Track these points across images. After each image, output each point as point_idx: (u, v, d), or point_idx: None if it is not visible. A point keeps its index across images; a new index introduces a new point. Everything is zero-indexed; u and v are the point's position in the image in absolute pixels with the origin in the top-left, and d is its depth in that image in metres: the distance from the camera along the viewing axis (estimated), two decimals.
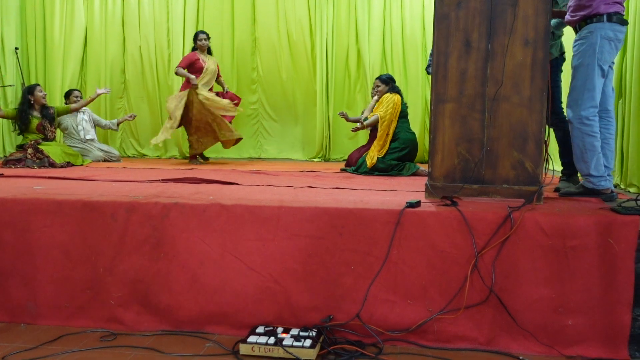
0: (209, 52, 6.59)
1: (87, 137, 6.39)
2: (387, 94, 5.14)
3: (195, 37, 6.52)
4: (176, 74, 6.45)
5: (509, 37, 3.02)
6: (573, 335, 2.59)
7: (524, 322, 2.61)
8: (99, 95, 6.30)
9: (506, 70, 3.03)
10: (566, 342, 2.59)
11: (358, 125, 5.15)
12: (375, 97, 5.61)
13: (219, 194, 3.29)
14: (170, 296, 2.84)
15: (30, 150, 5.53)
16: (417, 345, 2.65)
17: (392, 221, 2.74)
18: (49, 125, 5.90)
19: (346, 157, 7.55)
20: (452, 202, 2.88)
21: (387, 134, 5.04)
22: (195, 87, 6.33)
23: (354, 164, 5.82)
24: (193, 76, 6.37)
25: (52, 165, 5.40)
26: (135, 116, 6.71)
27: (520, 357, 2.55)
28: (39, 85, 6.16)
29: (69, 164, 5.57)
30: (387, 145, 5.02)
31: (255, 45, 7.66)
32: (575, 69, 3.25)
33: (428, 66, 5.66)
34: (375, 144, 5.04)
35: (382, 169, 4.94)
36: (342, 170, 5.43)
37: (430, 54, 5.36)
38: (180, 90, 6.31)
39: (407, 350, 2.61)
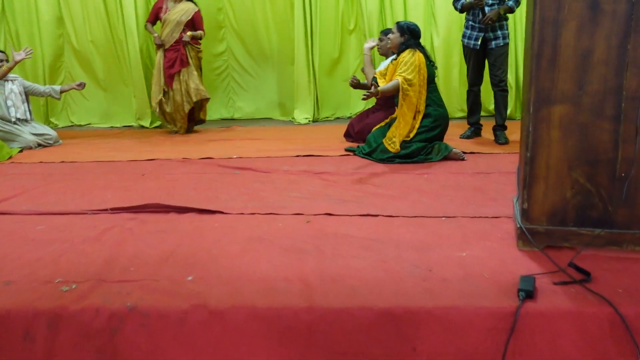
0: None
1: (18, 115, 4.97)
2: (407, 52, 3.84)
3: None
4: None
5: None
6: None
7: None
8: (17, 62, 4.84)
9: None
10: None
11: (369, 92, 3.60)
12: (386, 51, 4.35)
13: (199, 256, 2.12)
14: None
15: None
16: None
17: (501, 328, 1.65)
18: None
19: (337, 115, 6.45)
20: (583, 273, 1.80)
21: (418, 111, 3.83)
22: (158, 47, 5.09)
23: (355, 136, 4.65)
24: (155, 33, 5.12)
25: None
26: (84, 85, 5.27)
27: None
28: None
29: None
30: (418, 125, 3.84)
31: None
32: None
33: (455, 0, 4.42)
34: (401, 123, 3.81)
35: (406, 155, 3.78)
36: (348, 150, 4.24)
37: None
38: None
39: None
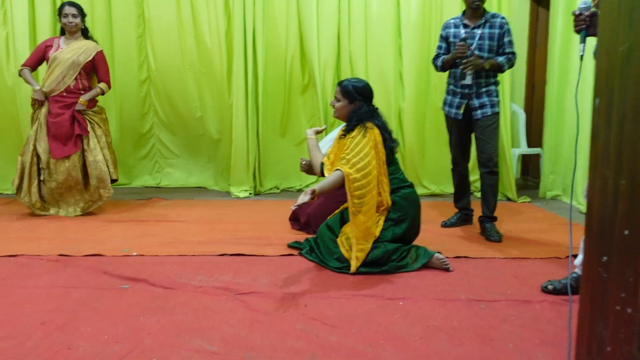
0: (85, 34, 4.09)
1: None
2: (357, 130, 2.73)
3: (59, 12, 4.06)
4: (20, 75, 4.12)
5: None
6: None
7: None
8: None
9: None
10: None
11: (300, 203, 2.41)
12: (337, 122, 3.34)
13: None
14: None
15: None
16: None
17: None
18: None
19: (284, 186, 5.37)
20: None
21: (379, 205, 2.78)
22: (39, 104, 3.94)
23: (304, 221, 3.58)
24: (36, 85, 3.97)
25: None
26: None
27: None
28: None
29: None
30: (382, 219, 2.81)
31: (144, 25, 5.13)
32: None
33: (436, 57, 3.58)
34: (358, 227, 2.69)
35: (372, 262, 2.72)
36: (291, 247, 3.15)
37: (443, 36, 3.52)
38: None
39: None
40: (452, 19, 3.55)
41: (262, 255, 3.00)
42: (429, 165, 5.05)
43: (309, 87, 5.10)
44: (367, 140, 2.68)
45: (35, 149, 3.96)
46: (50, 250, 3.05)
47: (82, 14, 4.02)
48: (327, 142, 3.60)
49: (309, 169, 3.07)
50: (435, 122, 4.97)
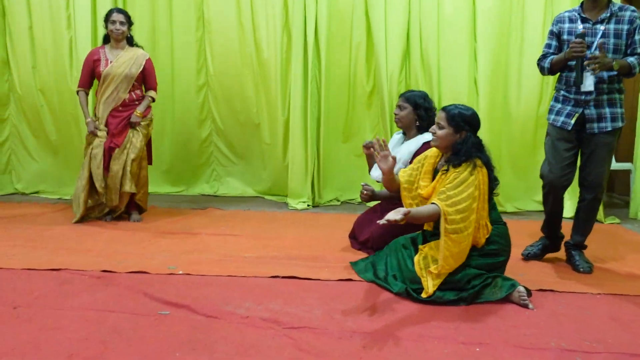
0: (130, 42, 3.98)
1: None
2: (464, 167, 2.40)
3: (106, 19, 3.93)
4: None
5: None
6: None
7: None
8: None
9: None
10: None
11: (396, 215, 2.19)
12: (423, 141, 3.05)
13: None
14: None
15: None
16: None
17: None
18: None
19: (344, 197, 5.06)
20: None
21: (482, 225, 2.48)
22: (93, 135, 3.85)
23: (362, 239, 3.26)
24: (89, 118, 3.87)
25: None
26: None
27: None
28: None
29: None
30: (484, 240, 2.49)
31: (204, 28, 4.98)
32: None
33: (543, 57, 3.05)
34: (449, 250, 2.37)
35: (449, 284, 2.40)
36: (352, 267, 2.86)
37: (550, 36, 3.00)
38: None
39: None
40: (567, 11, 2.98)
41: (318, 279, 2.71)
42: (503, 182, 4.60)
43: (374, 94, 4.78)
44: (473, 179, 2.37)
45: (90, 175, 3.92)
46: (95, 264, 2.87)
47: (129, 21, 3.91)
48: (402, 160, 3.22)
49: (372, 197, 2.81)
50: (508, 134, 4.56)
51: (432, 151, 2.65)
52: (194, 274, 2.76)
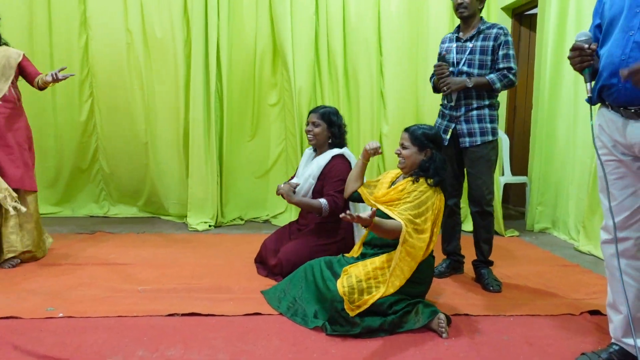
0: None
1: None
2: (421, 185, 2.41)
3: None
4: None
5: None
6: None
7: None
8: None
9: None
10: None
11: (365, 215, 2.16)
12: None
13: None
14: None
15: None
16: None
17: None
18: None
19: (248, 216, 4.77)
20: None
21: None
22: None
23: (272, 263, 3.04)
24: None
25: None
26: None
27: None
28: None
29: None
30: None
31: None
32: None
33: (432, 76, 3.14)
34: (397, 270, 2.32)
35: (373, 310, 2.29)
36: (269, 300, 2.62)
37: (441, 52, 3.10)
38: None
39: None
40: (450, 33, 3.14)
41: (222, 315, 2.45)
42: None
43: (279, 107, 4.60)
44: (432, 203, 2.39)
45: None
46: None
47: None
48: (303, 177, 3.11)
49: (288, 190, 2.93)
50: None
51: (393, 171, 2.67)
52: (77, 316, 2.39)
